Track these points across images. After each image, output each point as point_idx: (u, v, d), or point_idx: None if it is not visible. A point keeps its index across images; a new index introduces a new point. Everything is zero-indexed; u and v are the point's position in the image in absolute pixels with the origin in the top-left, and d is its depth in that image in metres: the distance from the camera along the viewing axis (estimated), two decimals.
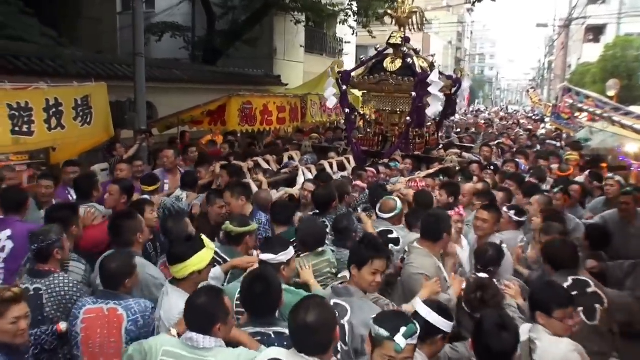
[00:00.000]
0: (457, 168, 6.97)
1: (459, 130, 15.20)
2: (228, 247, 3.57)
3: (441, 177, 6.12)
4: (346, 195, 4.93)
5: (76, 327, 2.75)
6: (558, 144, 10.97)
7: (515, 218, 4.32)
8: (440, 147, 8.85)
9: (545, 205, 4.71)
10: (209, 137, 9.61)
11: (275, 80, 15.42)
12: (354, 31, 16.99)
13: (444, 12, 40.63)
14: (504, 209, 4.39)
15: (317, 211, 4.51)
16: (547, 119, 17.08)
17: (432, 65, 8.22)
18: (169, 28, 14.02)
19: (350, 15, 15.31)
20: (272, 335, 2.52)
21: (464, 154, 8.27)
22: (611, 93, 15.05)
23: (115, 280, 2.81)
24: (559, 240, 3.58)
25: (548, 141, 11.52)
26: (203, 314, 2.30)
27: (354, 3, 14.82)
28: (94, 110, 6.50)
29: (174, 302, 2.68)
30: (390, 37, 8.32)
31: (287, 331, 2.30)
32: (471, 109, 37.68)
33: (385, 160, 7.14)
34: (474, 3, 14.47)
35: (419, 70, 7.80)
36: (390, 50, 8.30)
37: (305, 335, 2.13)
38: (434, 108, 7.53)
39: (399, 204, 4.20)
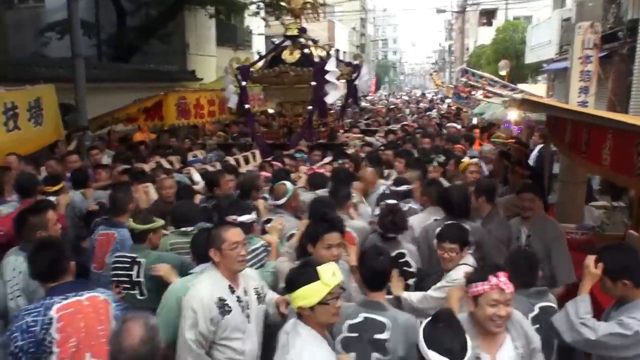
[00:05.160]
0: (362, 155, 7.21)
1: (367, 116, 16.42)
2: (134, 245, 3.73)
3: (339, 161, 6.46)
4: (253, 190, 4.88)
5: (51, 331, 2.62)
6: (459, 126, 11.79)
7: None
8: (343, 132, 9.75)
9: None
10: (138, 135, 10.48)
11: (190, 75, 16.34)
12: (266, 22, 18.41)
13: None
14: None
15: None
16: (448, 100, 19.73)
17: (328, 54, 8.91)
18: None
19: (262, 8, 16.73)
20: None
21: (366, 137, 9.18)
22: (503, 72, 17.91)
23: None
24: (458, 186, 4.58)
25: (449, 124, 12.08)
26: None
27: None
28: (44, 111, 7.37)
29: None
30: (287, 29, 8.95)
31: None
32: (377, 95, 40.29)
33: (291, 151, 7.45)
34: None
35: (317, 59, 8.48)
36: (289, 42, 8.88)
37: None
38: (333, 95, 8.29)
39: (289, 187, 4.46)
